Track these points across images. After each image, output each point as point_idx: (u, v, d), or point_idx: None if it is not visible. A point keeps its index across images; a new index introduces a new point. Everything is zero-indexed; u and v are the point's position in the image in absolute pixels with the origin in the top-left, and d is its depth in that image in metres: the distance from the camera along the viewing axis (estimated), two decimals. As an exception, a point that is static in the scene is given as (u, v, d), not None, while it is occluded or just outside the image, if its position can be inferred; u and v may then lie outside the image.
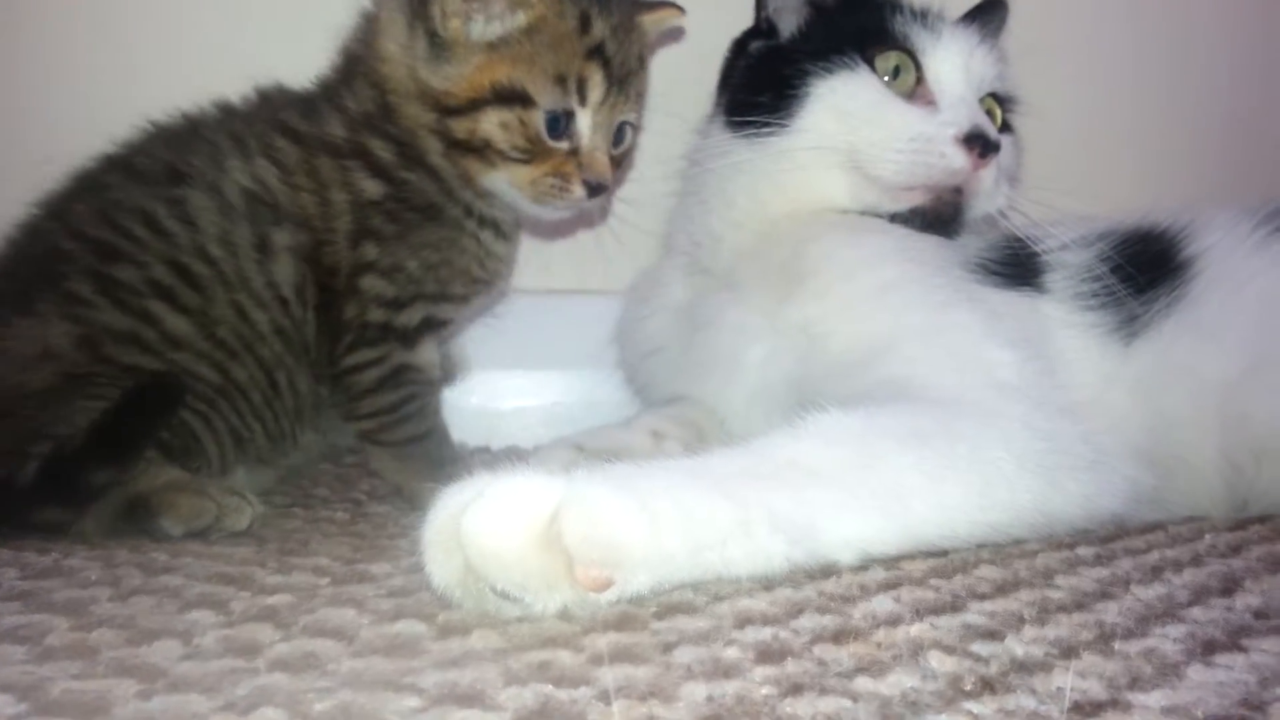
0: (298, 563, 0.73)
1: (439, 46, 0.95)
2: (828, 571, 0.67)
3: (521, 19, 0.94)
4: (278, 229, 0.97)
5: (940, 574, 0.68)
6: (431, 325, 1.02)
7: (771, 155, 1.04)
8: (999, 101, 1.08)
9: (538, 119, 0.96)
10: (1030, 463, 0.77)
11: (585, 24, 0.96)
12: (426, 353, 1.03)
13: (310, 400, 1.02)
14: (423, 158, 0.99)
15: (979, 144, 0.98)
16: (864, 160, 1.01)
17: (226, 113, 1.03)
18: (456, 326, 1.07)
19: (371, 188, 0.98)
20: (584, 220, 1.25)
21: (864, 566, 0.69)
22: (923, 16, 1.05)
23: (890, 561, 0.70)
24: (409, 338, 1.01)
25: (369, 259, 0.98)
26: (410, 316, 1.00)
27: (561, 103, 0.96)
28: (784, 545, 0.65)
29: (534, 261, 1.36)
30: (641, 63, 1.04)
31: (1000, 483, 0.75)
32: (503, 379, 1.39)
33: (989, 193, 1.02)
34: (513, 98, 0.95)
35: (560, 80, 0.95)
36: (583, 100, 0.97)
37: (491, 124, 0.95)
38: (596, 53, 0.97)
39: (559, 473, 0.94)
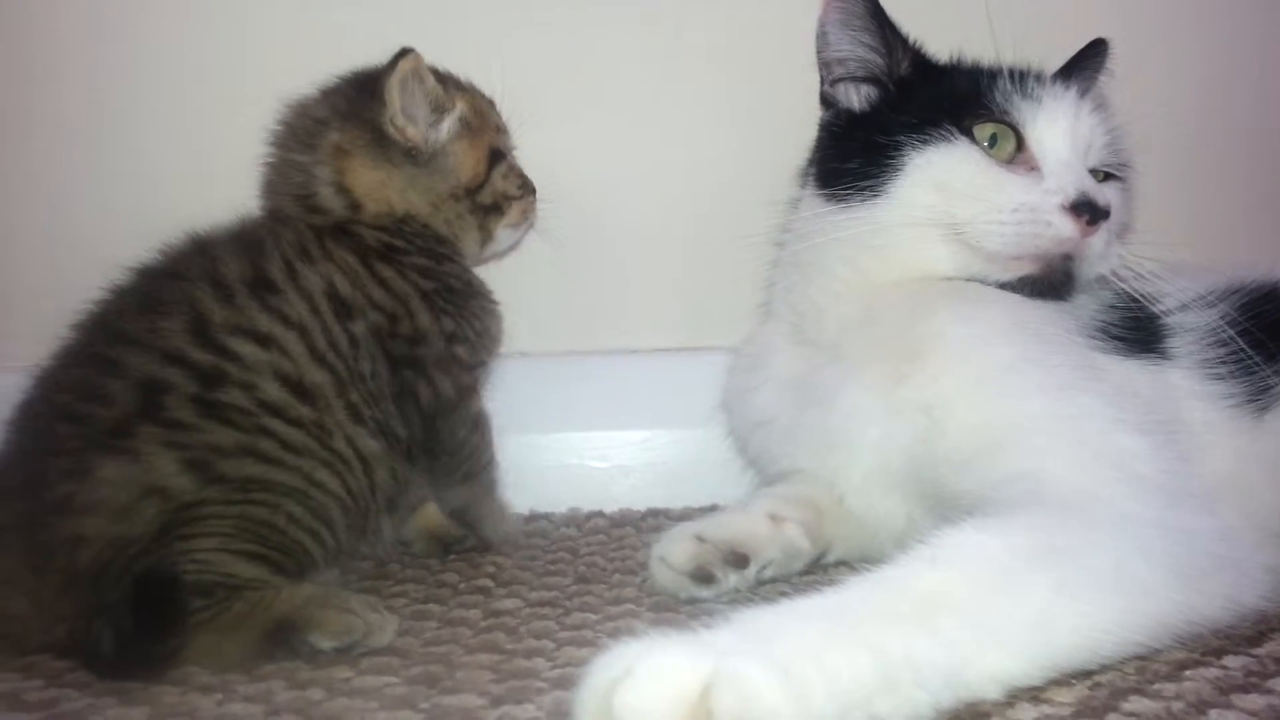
0: (446, 704, 0.76)
1: (423, 160, 1.15)
2: (975, 712, 0.67)
3: (460, 107, 1.18)
4: (353, 322, 1.05)
5: (1089, 711, 0.68)
6: (478, 385, 1.18)
7: (869, 225, 1.03)
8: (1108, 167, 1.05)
9: (514, 160, 1.25)
10: (1171, 572, 0.75)
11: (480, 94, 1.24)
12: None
13: (400, 487, 1.09)
14: (452, 248, 1.17)
15: (1087, 211, 0.96)
16: (967, 232, 0.99)
17: (266, 225, 1.11)
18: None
19: (423, 282, 1.12)
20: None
21: (1010, 702, 0.69)
22: (1021, 81, 1.02)
23: (1036, 692, 0.70)
24: (476, 391, 1.17)
25: (449, 330, 1.13)
26: (473, 378, 1.16)
27: (510, 146, 1.25)
28: (929, 696, 0.65)
29: (645, 319, 1.40)
30: None
31: (1143, 597, 0.74)
32: (613, 439, 1.41)
33: (1101, 256, 0.99)
34: (497, 155, 1.21)
35: (499, 131, 1.23)
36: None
37: (500, 179, 1.21)
38: (493, 107, 1.24)
39: (682, 564, 0.99)
